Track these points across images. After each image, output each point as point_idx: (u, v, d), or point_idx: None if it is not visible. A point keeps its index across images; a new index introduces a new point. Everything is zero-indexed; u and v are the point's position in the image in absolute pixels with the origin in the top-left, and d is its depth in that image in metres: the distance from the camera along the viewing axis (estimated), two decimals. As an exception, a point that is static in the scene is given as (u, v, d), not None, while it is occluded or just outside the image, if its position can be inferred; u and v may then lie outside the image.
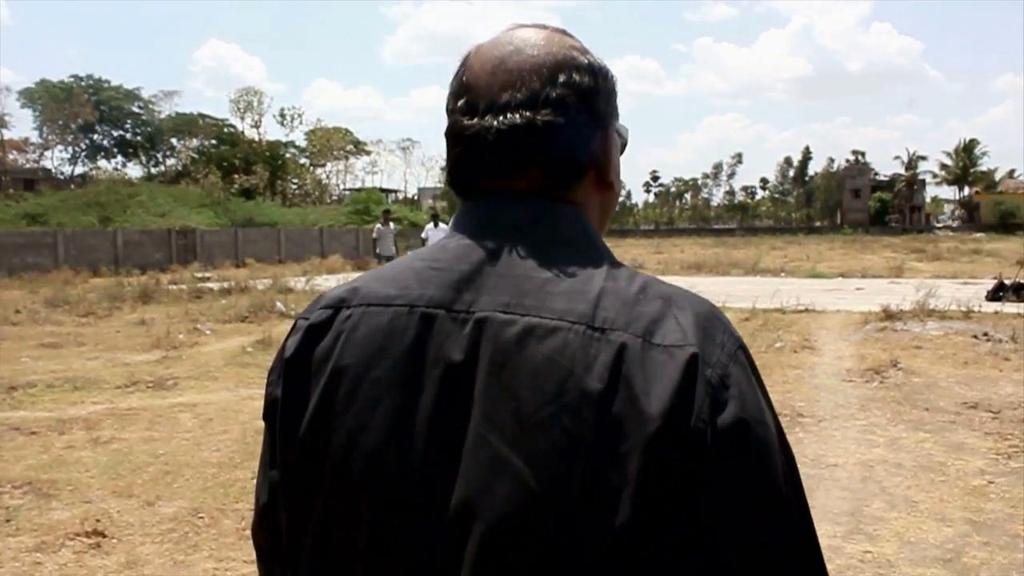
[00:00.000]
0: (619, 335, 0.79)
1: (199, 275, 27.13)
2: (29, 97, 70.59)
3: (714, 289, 17.31)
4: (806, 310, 14.18)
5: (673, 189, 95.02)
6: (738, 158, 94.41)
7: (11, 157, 72.38)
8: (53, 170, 67.32)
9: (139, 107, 78.02)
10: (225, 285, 21.29)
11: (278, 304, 16.38)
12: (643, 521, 0.75)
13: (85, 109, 69.01)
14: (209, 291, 20.65)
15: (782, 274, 24.47)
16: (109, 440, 6.85)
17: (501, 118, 0.89)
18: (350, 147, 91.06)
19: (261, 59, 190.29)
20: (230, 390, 8.86)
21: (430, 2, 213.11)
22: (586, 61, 0.94)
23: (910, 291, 14.10)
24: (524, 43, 0.94)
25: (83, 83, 74.18)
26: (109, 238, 35.93)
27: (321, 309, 0.93)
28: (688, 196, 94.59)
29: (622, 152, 1.03)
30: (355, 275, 1.12)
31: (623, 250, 43.69)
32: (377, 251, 20.94)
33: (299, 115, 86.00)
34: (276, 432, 0.92)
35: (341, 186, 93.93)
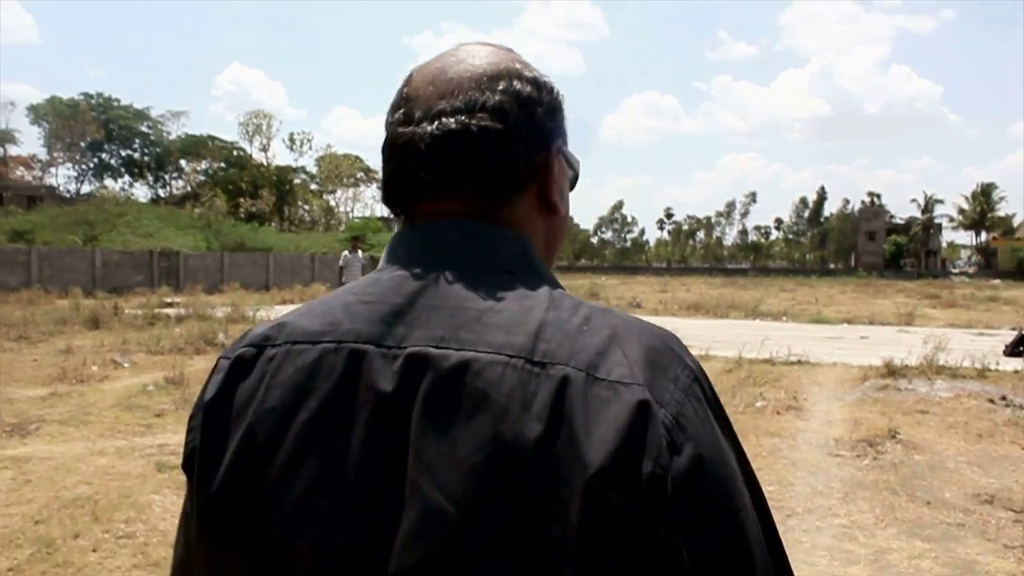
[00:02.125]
0: (560, 369, 0.73)
1: (167, 300, 25.75)
2: (37, 114, 70.11)
3: (705, 333, 15.88)
4: (799, 362, 12.53)
5: (686, 227, 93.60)
6: (752, 197, 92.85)
7: (17, 173, 71.88)
8: (59, 188, 66.39)
9: (148, 127, 77.45)
10: (183, 312, 19.94)
11: (220, 335, 15.01)
12: None
13: (91, 127, 68.51)
14: (166, 318, 19.22)
15: (784, 318, 22.83)
16: None
17: (436, 124, 0.84)
18: (360, 174, 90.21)
19: (283, 84, 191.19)
20: (90, 440, 7.45)
21: (451, 34, 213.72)
22: (529, 74, 0.91)
23: (918, 342, 12.43)
24: (467, 55, 0.91)
25: (92, 101, 73.63)
26: (87, 258, 34.67)
27: (245, 347, 0.85)
28: (701, 234, 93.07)
29: (573, 184, 0.99)
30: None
31: (627, 288, 42.32)
32: (343, 280, 19.43)
33: (308, 140, 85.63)
34: (194, 484, 0.84)
35: (350, 213, 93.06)
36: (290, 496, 0.77)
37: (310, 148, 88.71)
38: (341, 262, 19.38)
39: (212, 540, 0.82)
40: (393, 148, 0.88)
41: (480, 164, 0.85)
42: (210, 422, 0.84)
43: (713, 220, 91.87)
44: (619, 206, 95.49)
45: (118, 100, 76.06)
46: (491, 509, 0.70)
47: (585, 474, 0.68)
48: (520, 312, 0.78)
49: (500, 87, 0.87)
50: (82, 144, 70.03)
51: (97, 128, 69.62)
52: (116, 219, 45.71)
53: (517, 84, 0.88)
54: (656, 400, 0.71)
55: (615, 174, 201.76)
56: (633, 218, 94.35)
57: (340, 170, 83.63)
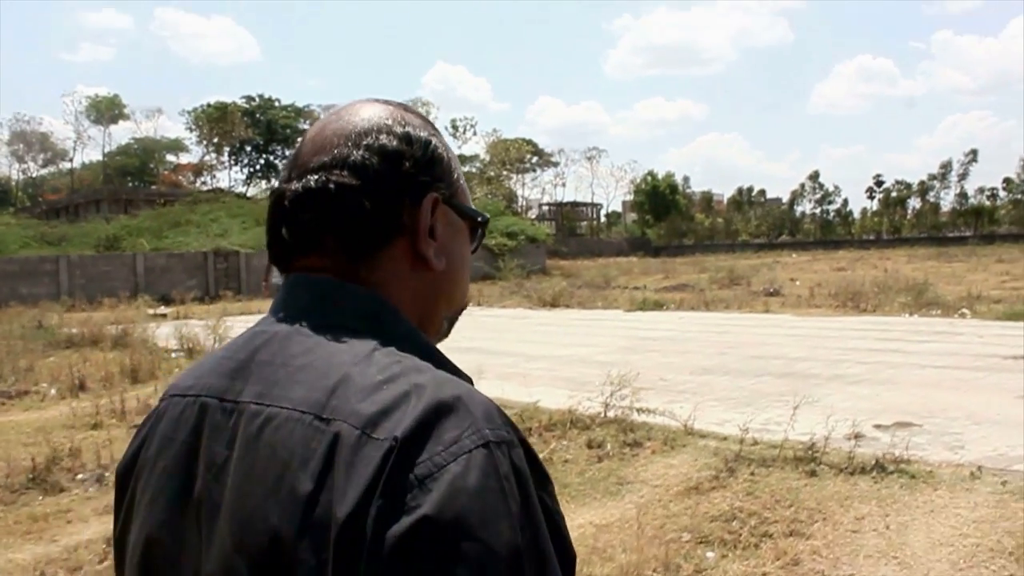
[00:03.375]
0: (337, 425, 0.73)
1: (151, 311, 23.66)
2: (195, 120, 72.26)
3: (804, 356, 11.22)
4: (897, 469, 5.94)
5: (895, 194, 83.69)
6: (972, 155, 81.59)
7: (190, 179, 74.68)
8: (228, 190, 68.07)
9: (310, 124, 77.46)
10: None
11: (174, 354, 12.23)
12: None
13: (240, 127, 69.55)
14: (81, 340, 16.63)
15: (961, 311, 17.28)
16: None
17: (302, 181, 0.86)
18: (532, 157, 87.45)
19: (487, 79, 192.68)
20: None
21: (650, 14, 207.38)
22: (402, 129, 0.90)
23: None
24: (349, 112, 0.92)
25: (253, 103, 75.03)
26: (127, 264, 32.78)
27: (158, 403, 0.93)
28: (914, 201, 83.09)
29: (477, 239, 0.98)
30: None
31: (784, 269, 36.63)
32: None
33: (472, 126, 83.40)
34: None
35: (525, 198, 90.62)
36: (141, 537, 0.85)
37: (474, 134, 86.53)
38: None
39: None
40: (269, 205, 0.90)
41: (337, 221, 0.85)
42: (121, 478, 0.93)
43: (927, 184, 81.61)
44: (815, 176, 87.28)
45: (278, 100, 77.00)
46: (264, 570, 0.72)
47: (334, 532, 0.68)
48: (327, 368, 0.78)
49: (365, 143, 0.87)
50: (233, 145, 71.57)
51: (246, 128, 70.74)
52: (201, 218, 43.87)
53: (384, 139, 0.88)
54: (406, 456, 0.69)
55: (828, 145, 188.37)
56: (836, 187, 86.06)
57: (509, 154, 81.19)
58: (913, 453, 6.22)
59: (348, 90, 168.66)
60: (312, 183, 0.85)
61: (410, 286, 0.89)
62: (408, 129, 0.90)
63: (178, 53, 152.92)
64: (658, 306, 21.47)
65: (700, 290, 26.36)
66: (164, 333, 15.56)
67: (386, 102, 0.95)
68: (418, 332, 0.88)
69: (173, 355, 14.23)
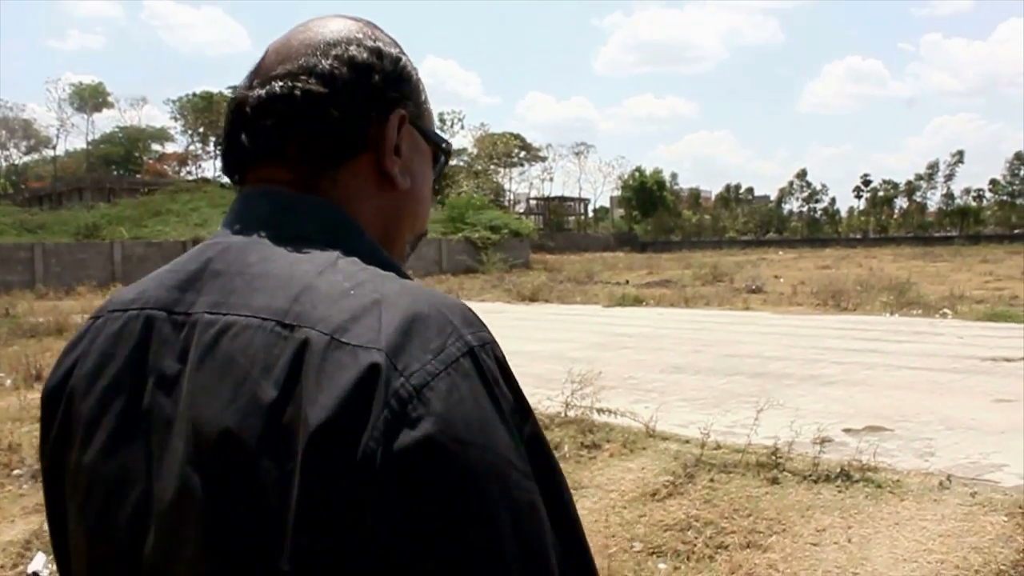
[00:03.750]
0: (304, 332, 0.69)
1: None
2: (180, 109, 71.67)
3: (781, 351, 10.91)
4: (864, 477, 5.60)
5: (882, 193, 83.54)
6: (959, 157, 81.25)
7: (175, 168, 74.06)
8: (214, 180, 67.43)
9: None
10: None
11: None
12: (310, 562, 0.64)
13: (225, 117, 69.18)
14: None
15: (943, 312, 17.04)
16: None
17: (265, 88, 0.82)
18: (520, 152, 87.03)
19: (476, 73, 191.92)
20: None
21: (641, 12, 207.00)
22: (371, 43, 0.87)
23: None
24: (317, 24, 0.89)
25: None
26: (103, 252, 32.22)
27: (88, 319, 0.88)
28: (901, 201, 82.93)
29: (439, 165, 0.96)
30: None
31: (769, 266, 36.40)
32: None
33: (459, 119, 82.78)
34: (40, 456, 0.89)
35: (514, 193, 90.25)
36: (85, 461, 0.79)
37: (462, 127, 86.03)
38: None
39: (50, 511, 0.87)
40: (227, 112, 0.86)
41: (301, 130, 0.82)
42: (51, 399, 0.86)
43: (913, 184, 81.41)
44: (803, 174, 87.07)
45: (270, 90, 75.75)
46: (222, 481, 0.68)
47: (304, 441, 0.64)
48: (290, 276, 0.74)
49: (334, 52, 0.84)
50: (219, 135, 70.82)
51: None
52: (182, 207, 43.37)
53: (354, 50, 0.85)
54: (395, 366, 0.65)
55: (817, 144, 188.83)
56: (823, 186, 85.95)
57: (497, 148, 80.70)
58: (881, 460, 5.93)
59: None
60: (276, 89, 0.81)
61: (374, 203, 0.86)
62: (378, 44, 0.87)
63: (168, 43, 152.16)
64: (637, 302, 21.17)
65: (683, 286, 26.08)
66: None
67: (356, 18, 0.91)
68: (381, 249, 0.84)
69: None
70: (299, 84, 0.81)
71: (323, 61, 0.83)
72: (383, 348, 0.66)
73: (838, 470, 5.66)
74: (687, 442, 6.60)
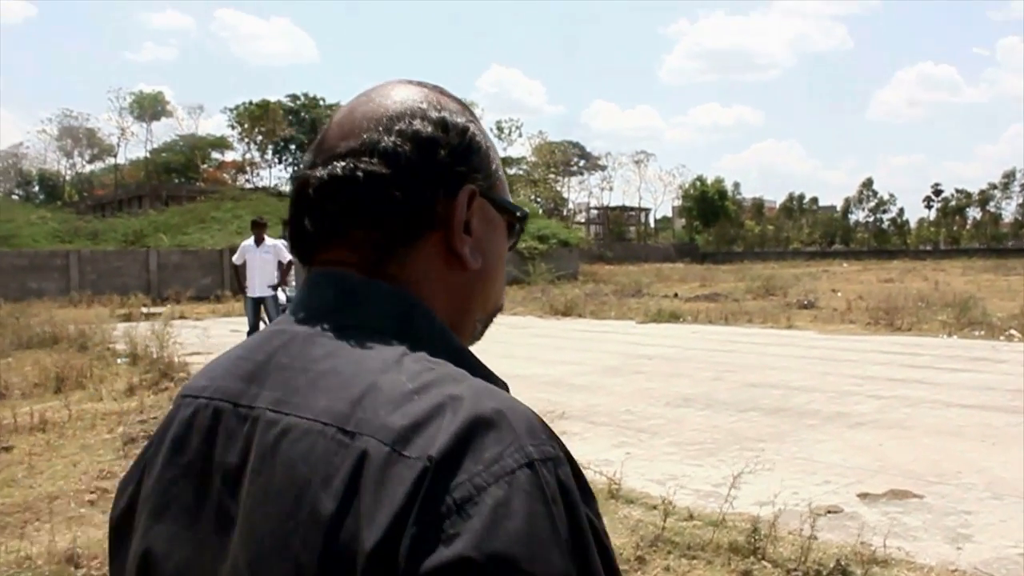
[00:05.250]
0: (365, 441, 0.65)
1: (146, 310, 22.48)
2: (236, 118, 72.03)
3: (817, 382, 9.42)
4: (868, 569, 4.15)
5: (953, 203, 80.00)
6: (1038, 164, 77.32)
7: (233, 176, 74.49)
8: (273, 187, 67.44)
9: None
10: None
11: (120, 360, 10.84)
12: None
13: (281, 125, 69.22)
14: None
15: (1008, 333, 15.23)
16: None
17: (328, 168, 0.79)
18: (580, 161, 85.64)
19: (541, 82, 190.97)
20: None
21: (706, 19, 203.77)
22: (437, 115, 0.82)
23: None
24: (380, 94, 0.84)
25: (298, 102, 74.76)
26: (139, 260, 31.81)
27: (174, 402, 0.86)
28: (974, 211, 79.23)
29: (515, 234, 0.90)
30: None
31: (829, 279, 34.41)
32: (244, 283, 13.19)
33: (517, 127, 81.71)
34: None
35: (574, 202, 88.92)
36: (149, 546, 0.76)
37: (520, 136, 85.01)
38: (236, 258, 13.83)
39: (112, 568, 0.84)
40: (292, 193, 0.84)
41: (365, 213, 0.78)
42: (127, 479, 0.85)
43: (987, 193, 77.70)
44: (869, 183, 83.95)
45: (323, 99, 76.97)
46: None
47: (360, 563, 0.61)
48: (353, 375, 0.70)
49: (397, 128, 0.80)
50: (277, 144, 71.54)
51: (289, 126, 70.38)
52: (225, 214, 42.92)
53: (418, 124, 0.80)
54: (442, 477, 0.61)
55: (886, 153, 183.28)
56: (891, 196, 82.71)
57: (555, 157, 79.35)
58: (898, 546, 4.51)
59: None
60: (339, 170, 0.78)
61: (443, 285, 0.82)
62: (444, 114, 0.82)
63: (237, 54, 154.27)
64: (673, 318, 19.67)
65: (734, 300, 24.51)
66: (136, 334, 14.17)
67: (421, 84, 0.87)
68: (451, 334, 0.80)
69: (119, 361, 12.96)
70: (362, 164, 0.77)
71: (385, 138, 0.78)
72: (434, 456, 0.62)
73: (833, 563, 4.25)
74: (655, 508, 5.22)
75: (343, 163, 0.78)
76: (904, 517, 5.08)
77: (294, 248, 0.84)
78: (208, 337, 15.14)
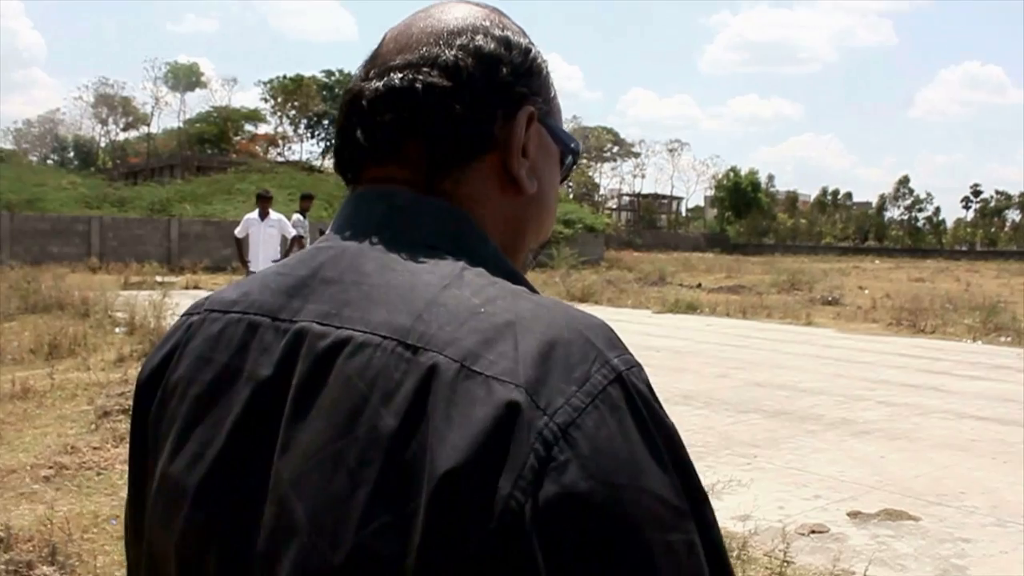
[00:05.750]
0: (431, 356, 0.61)
1: (159, 279, 22.37)
2: (270, 91, 72.01)
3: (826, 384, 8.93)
4: None
5: (993, 204, 78.32)
6: (1082, 167, 75.22)
7: (266, 149, 74.60)
8: (306, 161, 67.37)
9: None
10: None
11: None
12: None
13: (314, 100, 69.04)
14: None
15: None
16: None
17: (384, 80, 0.75)
18: (614, 148, 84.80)
19: (580, 67, 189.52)
20: None
21: (749, 10, 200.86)
22: (500, 32, 0.79)
23: None
24: (440, 10, 0.81)
25: (332, 77, 74.56)
26: (160, 229, 31.77)
27: (182, 316, 0.83)
28: (1013, 214, 77.54)
29: (568, 167, 0.88)
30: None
31: (858, 276, 33.67)
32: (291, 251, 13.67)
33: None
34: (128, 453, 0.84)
35: (607, 188, 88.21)
36: (173, 470, 0.73)
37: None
38: (300, 229, 13.89)
39: (131, 513, 0.82)
40: (342, 105, 0.80)
41: (422, 126, 0.75)
42: (139, 393, 0.82)
43: (1028, 195, 76.07)
44: (905, 180, 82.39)
45: (358, 75, 76.01)
46: (331, 513, 0.61)
47: (430, 487, 0.57)
48: (412, 288, 0.67)
49: (459, 42, 0.77)
50: (310, 118, 71.35)
51: (323, 101, 70.09)
52: (249, 188, 42.82)
53: (480, 40, 0.77)
54: (537, 404, 0.58)
55: (927, 152, 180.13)
56: (928, 194, 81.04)
57: (588, 142, 78.54)
58: (883, 574, 4.12)
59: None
60: (396, 81, 0.74)
61: (498, 208, 0.78)
62: (507, 33, 0.80)
63: (278, 28, 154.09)
64: (691, 309, 19.19)
65: (757, 293, 23.98)
66: (138, 302, 13.99)
67: (480, 3, 0.83)
68: (506, 259, 0.76)
69: (117, 330, 12.78)
70: (421, 76, 0.74)
71: (447, 51, 0.76)
72: (522, 383, 0.58)
73: (806, 593, 3.87)
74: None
75: (401, 75, 0.74)
76: (895, 542, 4.67)
77: (339, 163, 0.80)
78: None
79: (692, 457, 0.62)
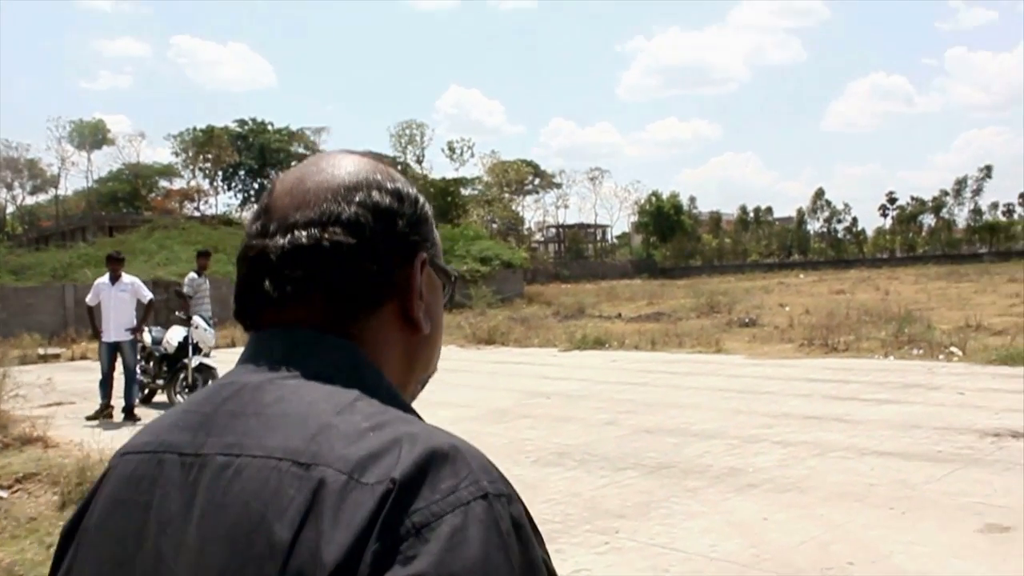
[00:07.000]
0: (321, 471, 0.66)
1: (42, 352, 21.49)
2: (180, 145, 70.05)
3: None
4: None
5: (908, 210, 79.57)
6: (987, 171, 76.61)
7: (180, 205, 72.49)
8: (220, 216, 65.33)
9: (305, 148, 74.51)
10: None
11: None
12: None
13: (227, 151, 67.24)
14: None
15: (951, 350, 14.06)
16: None
17: (288, 237, 0.80)
18: (535, 180, 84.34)
19: (500, 101, 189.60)
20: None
21: (662, 35, 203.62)
22: (391, 185, 0.86)
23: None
24: (328, 164, 0.86)
25: (246, 127, 72.92)
26: (54, 296, 29.83)
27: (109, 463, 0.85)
28: (928, 219, 78.82)
29: (449, 295, 0.94)
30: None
31: (778, 294, 33.33)
32: (190, 313, 12.49)
33: (469, 147, 79.92)
34: None
35: (533, 222, 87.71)
36: None
37: (471, 155, 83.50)
38: (187, 288, 12.79)
39: None
40: (245, 259, 0.83)
41: (331, 280, 0.80)
42: (60, 546, 0.83)
43: (940, 200, 77.27)
44: (820, 193, 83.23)
45: (271, 124, 74.56)
46: None
47: None
48: (307, 416, 0.72)
49: (357, 199, 0.82)
50: (226, 170, 69.59)
51: (237, 152, 68.20)
52: (153, 247, 41.17)
53: (376, 195, 0.83)
54: (402, 501, 0.63)
55: (842, 163, 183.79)
56: (845, 205, 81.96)
57: (508, 176, 77.71)
58: None
59: (365, 115, 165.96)
60: (303, 239, 0.79)
61: (395, 349, 0.84)
62: (398, 185, 0.86)
63: (195, 80, 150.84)
64: (598, 344, 18.29)
65: (677, 318, 23.28)
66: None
67: (362, 154, 0.90)
68: (399, 394, 0.81)
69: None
70: (327, 235, 0.79)
71: (347, 208, 0.80)
72: (396, 479, 0.64)
73: None
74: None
75: (306, 232, 0.78)
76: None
77: (243, 311, 0.83)
78: (53, 389, 12.99)
79: (550, 536, 0.49)
